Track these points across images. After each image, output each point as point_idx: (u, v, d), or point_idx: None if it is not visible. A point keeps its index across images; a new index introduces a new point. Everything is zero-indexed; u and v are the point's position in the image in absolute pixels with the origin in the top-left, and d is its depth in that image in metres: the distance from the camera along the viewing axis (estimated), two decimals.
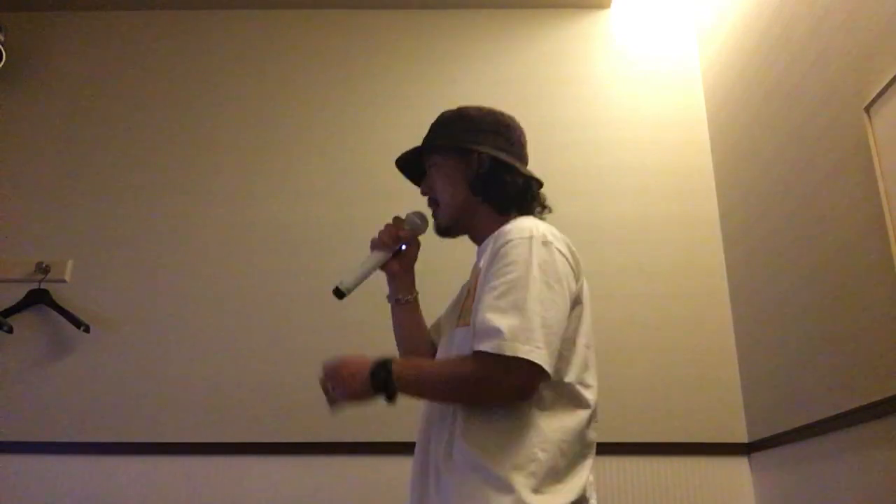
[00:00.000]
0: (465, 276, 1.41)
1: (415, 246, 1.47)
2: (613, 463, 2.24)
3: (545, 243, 1.21)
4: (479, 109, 1.43)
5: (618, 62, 2.83)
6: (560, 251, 1.23)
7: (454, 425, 1.20)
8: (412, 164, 1.46)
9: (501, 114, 1.44)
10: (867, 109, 1.64)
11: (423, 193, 1.43)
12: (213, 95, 2.81)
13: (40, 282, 2.46)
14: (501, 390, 1.16)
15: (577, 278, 1.26)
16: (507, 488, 1.11)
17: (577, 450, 1.21)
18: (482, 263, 1.27)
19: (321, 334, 2.39)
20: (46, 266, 2.49)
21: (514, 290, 1.16)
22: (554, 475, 1.15)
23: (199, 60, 2.88)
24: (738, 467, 2.24)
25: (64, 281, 2.50)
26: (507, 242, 1.21)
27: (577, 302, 1.25)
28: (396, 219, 1.44)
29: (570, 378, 1.21)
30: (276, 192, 2.64)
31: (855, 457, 1.69)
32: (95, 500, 2.23)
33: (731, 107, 2.49)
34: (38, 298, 2.42)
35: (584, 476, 1.20)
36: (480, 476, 1.13)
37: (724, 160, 2.55)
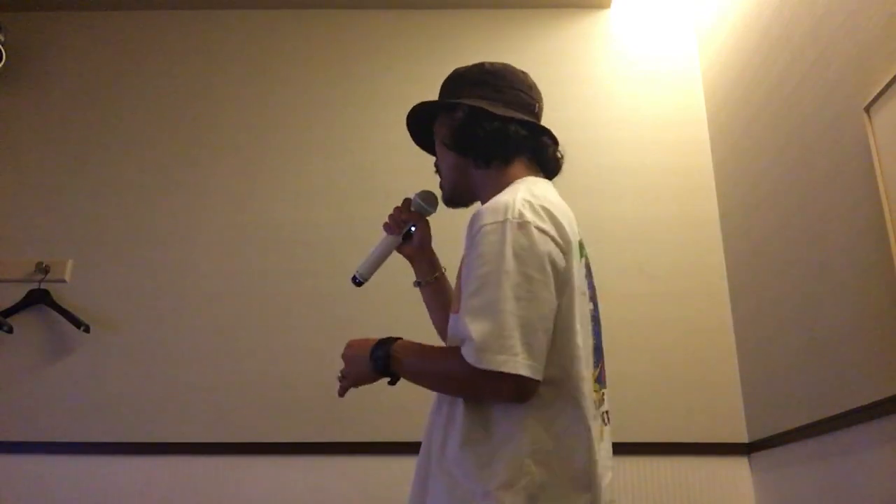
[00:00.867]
0: None
1: (424, 226, 1.40)
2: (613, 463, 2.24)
3: (521, 224, 1.06)
4: (470, 65, 1.33)
5: (618, 62, 2.83)
6: (540, 229, 1.07)
7: (447, 426, 1.10)
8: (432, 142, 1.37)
9: (491, 63, 1.32)
10: (867, 109, 1.64)
11: (435, 167, 1.36)
12: (213, 95, 2.81)
13: (40, 282, 2.46)
14: (486, 395, 1.06)
15: (566, 254, 1.10)
16: None
17: (586, 459, 1.05)
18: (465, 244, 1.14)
19: (321, 334, 2.39)
20: (46, 266, 2.49)
21: (486, 287, 1.03)
22: (550, 491, 1.02)
23: (199, 60, 2.88)
24: (738, 467, 2.24)
25: (64, 281, 2.50)
26: (479, 229, 1.08)
27: (564, 283, 1.09)
28: (405, 200, 1.39)
29: (566, 371, 1.08)
30: (275, 192, 2.64)
31: (855, 457, 1.69)
32: (95, 500, 2.23)
33: (731, 107, 2.49)
34: (38, 298, 2.42)
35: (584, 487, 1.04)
36: (463, 488, 1.03)
37: (724, 160, 2.55)
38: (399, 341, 1.16)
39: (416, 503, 1.12)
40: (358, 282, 1.36)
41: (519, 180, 1.21)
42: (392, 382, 1.17)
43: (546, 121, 1.36)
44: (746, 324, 2.33)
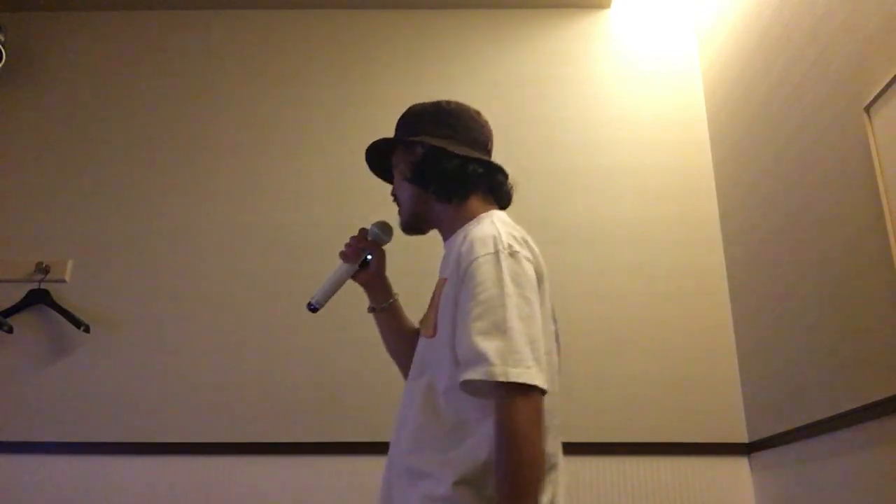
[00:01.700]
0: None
1: (380, 255, 1.48)
2: (613, 463, 2.24)
3: (512, 254, 1.17)
4: (425, 103, 1.41)
5: (618, 62, 2.83)
6: (527, 258, 1.19)
7: (410, 436, 1.20)
8: (389, 172, 1.47)
9: (447, 102, 1.40)
10: (867, 109, 1.64)
11: (392, 195, 1.45)
12: (213, 95, 2.81)
13: (40, 282, 2.46)
14: (506, 409, 1.08)
15: (541, 280, 1.22)
16: None
17: (555, 467, 1.18)
18: (446, 275, 1.24)
19: (321, 334, 2.39)
20: (46, 266, 2.49)
21: (493, 310, 1.11)
22: None
23: (199, 60, 2.88)
24: (738, 467, 2.24)
25: (64, 281, 2.50)
26: (472, 262, 1.16)
27: (542, 306, 1.20)
28: (361, 230, 1.47)
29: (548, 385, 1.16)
30: (275, 193, 2.64)
31: (855, 457, 1.69)
32: (95, 500, 2.23)
33: (731, 107, 2.49)
34: (38, 298, 2.42)
35: (548, 493, 1.14)
36: (427, 495, 1.12)
37: (724, 160, 2.55)
38: None
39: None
40: (313, 308, 1.44)
41: (484, 214, 1.31)
42: None
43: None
44: (746, 324, 2.33)
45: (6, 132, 2.75)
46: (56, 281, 2.49)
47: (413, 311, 1.50)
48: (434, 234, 1.41)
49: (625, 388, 2.33)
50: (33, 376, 2.39)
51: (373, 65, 2.85)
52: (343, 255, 1.46)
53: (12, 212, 2.62)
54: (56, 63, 2.87)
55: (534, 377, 1.07)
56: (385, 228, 1.47)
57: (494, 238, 1.18)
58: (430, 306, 1.29)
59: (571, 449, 2.24)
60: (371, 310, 1.50)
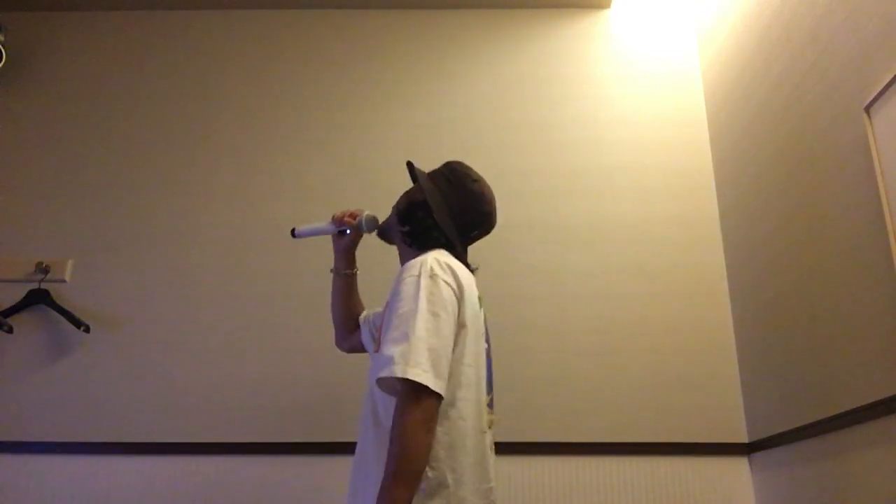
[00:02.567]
0: None
1: (356, 235, 1.75)
2: (613, 463, 2.24)
3: (432, 276, 1.37)
4: (456, 165, 1.64)
5: (618, 62, 2.83)
6: (446, 282, 1.38)
7: (361, 441, 1.43)
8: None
9: (465, 174, 1.60)
10: (867, 109, 1.64)
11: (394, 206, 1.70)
12: (213, 95, 2.81)
13: (40, 282, 2.46)
14: (401, 402, 1.27)
15: (461, 305, 1.41)
16: None
17: (469, 462, 1.34)
18: (388, 298, 1.45)
19: (321, 334, 2.38)
20: (46, 266, 2.49)
21: (405, 322, 1.32)
22: (444, 489, 1.28)
23: (199, 60, 2.88)
24: (738, 467, 2.24)
25: (64, 281, 2.50)
26: (401, 280, 1.40)
27: (461, 325, 1.39)
28: (356, 210, 1.73)
29: (453, 394, 1.34)
30: (275, 192, 2.64)
31: (855, 457, 1.69)
32: (95, 500, 2.23)
33: (731, 107, 2.49)
34: (38, 298, 2.42)
35: (475, 485, 1.33)
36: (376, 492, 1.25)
37: (724, 160, 2.55)
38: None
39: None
40: (295, 234, 1.78)
41: (426, 254, 1.50)
42: None
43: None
44: (746, 324, 2.33)
45: (6, 132, 2.75)
46: (56, 281, 2.49)
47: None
48: None
49: (625, 388, 2.33)
50: (33, 376, 2.39)
51: (373, 65, 2.85)
52: (334, 217, 1.75)
53: (12, 212, 2.62)
54: (56, 63, 2.88)
55: (427, 380, 1.25)
56: (370, 224, 1.71)
57: (421, 264, 1.40)
58: (381, 323, 1.48)
59: (572, 449, 2.27)
60: (335, 271, 1.81)
